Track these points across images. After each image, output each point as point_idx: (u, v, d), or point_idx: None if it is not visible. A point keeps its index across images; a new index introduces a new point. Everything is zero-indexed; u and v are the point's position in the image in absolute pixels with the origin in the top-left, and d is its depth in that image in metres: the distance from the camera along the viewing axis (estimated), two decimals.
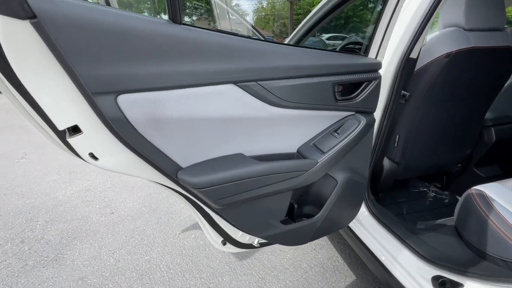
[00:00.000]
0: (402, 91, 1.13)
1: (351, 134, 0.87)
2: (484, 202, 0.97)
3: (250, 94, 0.70)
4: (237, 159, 0.77)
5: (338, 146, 0.86)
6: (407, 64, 1.04)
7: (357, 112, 0.92)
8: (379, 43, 0.90)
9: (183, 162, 0.72)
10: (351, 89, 0.90)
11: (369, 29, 0.93)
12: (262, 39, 0.82)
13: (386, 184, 1.43)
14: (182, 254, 1.67)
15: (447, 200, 1.66)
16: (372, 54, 0.94)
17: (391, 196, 1.63)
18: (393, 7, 0.83)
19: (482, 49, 1.09)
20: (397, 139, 1.30)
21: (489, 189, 1.02)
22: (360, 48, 0.97)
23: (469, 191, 1.04)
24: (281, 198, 0.87)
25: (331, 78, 0.81)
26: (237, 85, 0.68)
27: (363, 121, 0.89)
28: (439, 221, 1.22)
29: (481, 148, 1.54)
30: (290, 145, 0.88)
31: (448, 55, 1.06)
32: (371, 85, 0.88)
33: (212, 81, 0.65)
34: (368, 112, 0.93)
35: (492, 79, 1.25)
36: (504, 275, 0.81)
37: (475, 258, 0.93)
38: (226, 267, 1.57)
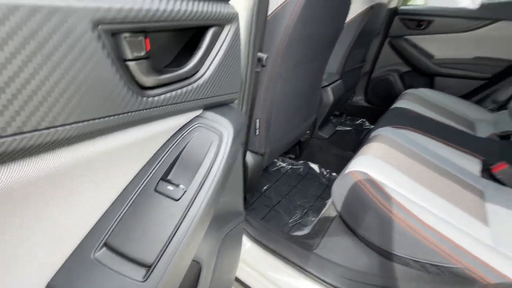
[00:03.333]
0: (259, 53, 0.70)
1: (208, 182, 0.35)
2: (377, 190, 0.77)
3: None
4: None
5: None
6: (261, 4, 0.60)
7: (206, 109, 0.40)
8: None
9: None
10: (174, 48, 0.35)
11: None
12: None
13: (253, 182, 1.08)
14: None
15: (302, 170, 1.58)
16: None
17: (255, 188, 1.33)
18: None
19: None
20: (257, 125, 0.92)
21: (370, 168, 0.84)
22: None
23: (351, 176, 0.83)
24: None
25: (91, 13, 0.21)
26: None
27: (229, 132, 0.38)
28: (321, 216, 1.00)
29: (323, 110, 1.48)
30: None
31: None
32: (225, 34, 0.37)
33: None
34: (228, 101, 0.43)
35: (338, 22, 1.05)
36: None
37: (388, 265, 0.74)
38: None
